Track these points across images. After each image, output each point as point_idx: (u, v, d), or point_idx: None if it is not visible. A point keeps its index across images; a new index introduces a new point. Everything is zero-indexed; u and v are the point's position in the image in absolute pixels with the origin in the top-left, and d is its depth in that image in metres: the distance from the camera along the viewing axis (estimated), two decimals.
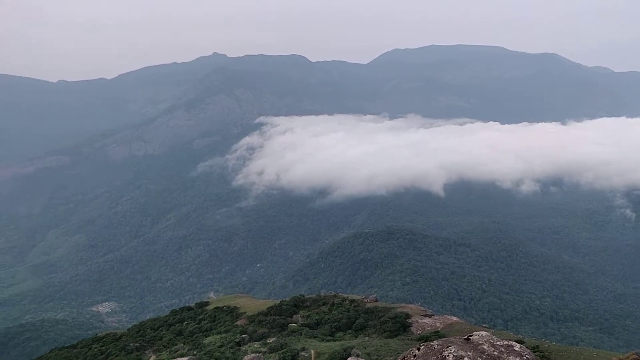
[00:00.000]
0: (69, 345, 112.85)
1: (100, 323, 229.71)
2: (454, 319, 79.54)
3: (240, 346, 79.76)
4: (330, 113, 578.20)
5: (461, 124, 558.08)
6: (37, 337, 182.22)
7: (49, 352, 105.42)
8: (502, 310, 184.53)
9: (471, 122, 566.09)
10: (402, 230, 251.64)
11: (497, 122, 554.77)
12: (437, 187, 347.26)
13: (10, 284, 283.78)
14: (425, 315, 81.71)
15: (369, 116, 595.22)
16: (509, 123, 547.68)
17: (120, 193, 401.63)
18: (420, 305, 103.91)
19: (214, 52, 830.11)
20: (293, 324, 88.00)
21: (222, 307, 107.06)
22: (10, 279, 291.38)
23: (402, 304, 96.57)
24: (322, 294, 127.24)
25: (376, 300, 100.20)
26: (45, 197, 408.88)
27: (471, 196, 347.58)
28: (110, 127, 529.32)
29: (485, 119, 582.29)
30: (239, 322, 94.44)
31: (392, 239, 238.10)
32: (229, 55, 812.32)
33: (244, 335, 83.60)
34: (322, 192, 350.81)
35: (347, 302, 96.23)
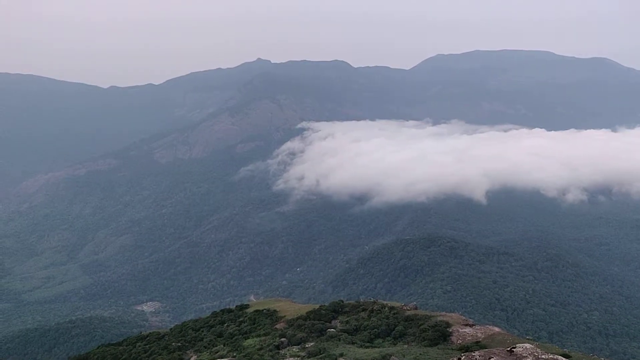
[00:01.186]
0: (115, 342, 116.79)
1: (145, 322, 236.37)
2: (496, 329, 77.87)
3: (279, 350, 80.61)
4: (372, 118, 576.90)
5: (505, 131, 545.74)
6: (85, 333, 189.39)
7: (97, 348, 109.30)
8: (546, 323, 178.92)
9: (516, 129, 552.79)
10: (443, 237, 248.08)
11: (542, 129, 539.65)
12: (479, 195, 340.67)
13: (62, 281, 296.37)
14: (466, 325, 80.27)
15: (411, 122, 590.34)
16: (555, 130, 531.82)
17: (166, 195, 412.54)
18: (461, 315, 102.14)
19: (258, 58, 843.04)
20: (332, 329, 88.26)
21: (262, 310, 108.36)
22: (63, 276, 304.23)
23: (443, 313, 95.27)
24: (361, 300, 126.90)
25: (416, 308, 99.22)
26: (96, 198, 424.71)
27: (514, 204, 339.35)
28: (157, 131, 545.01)
29: (531, 125, 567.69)
30: (278, 326, 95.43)
31: (433, 246, 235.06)
32: (272, 61, 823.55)
33: (282, 339, 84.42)
34: (362, 198, 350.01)
35: (386, 308, 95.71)
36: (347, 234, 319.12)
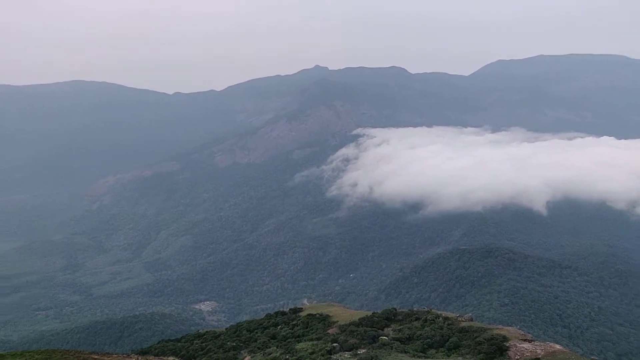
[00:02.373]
0: (174, 338, 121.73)
1: (202, 320, 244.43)
2: (557, 347, 75.68)
3: (331, 355, 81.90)
4: (429, 125, 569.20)
5: (570, 139, 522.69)
6: (147, 328, 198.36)
7: (157, 343, 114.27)
8: (614, 343, 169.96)
9: (581, 137, 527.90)
10: (502, 248, 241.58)
11: (612, 137, 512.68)
12: (539, 205, 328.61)
13: (127, 278, 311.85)
14: (525, 340, 78.43)
15: (469, 129, 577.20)
16: (626, 138, 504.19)
17: (224, 198, 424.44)
18: (519, 329, 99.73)
19: (316, 65, 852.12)
20: (384, 337, 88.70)
21: (315, 314, 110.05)
22: (128, 273, 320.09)
23: (500, 326, 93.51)
24: (414, 309, 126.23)
25: (471, 320, 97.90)
26: (160, 199, 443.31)
27: (578, 216, 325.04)
28: (217, 136, 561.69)
29: (598, 133, 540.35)
30: (330, 331, 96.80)
31: (491, 257, 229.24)
32: (330, 68, 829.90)
33: (334, 344, 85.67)
34: (416, 206, 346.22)
35: (440, 319, 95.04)
36: (401, 241, 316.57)
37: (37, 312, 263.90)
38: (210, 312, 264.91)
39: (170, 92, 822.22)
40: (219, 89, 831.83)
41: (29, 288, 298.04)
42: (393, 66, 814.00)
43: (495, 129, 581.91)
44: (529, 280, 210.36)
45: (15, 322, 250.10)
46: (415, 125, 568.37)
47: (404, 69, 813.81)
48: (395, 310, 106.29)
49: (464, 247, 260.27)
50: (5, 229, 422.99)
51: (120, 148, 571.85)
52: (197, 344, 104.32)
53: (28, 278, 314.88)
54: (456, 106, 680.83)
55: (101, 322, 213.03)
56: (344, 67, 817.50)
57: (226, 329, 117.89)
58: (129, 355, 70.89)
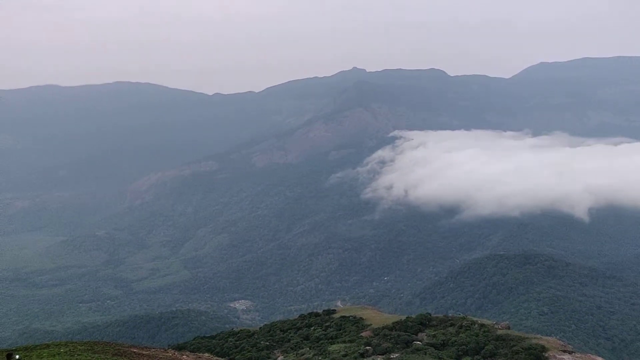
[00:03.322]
0: (209, 335, 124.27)
1: (236, 319, 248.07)
2: (599, 359, 73.68)
3: (363, 358, 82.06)
4: (468, 128, 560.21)
5: (615, 144, 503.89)
6: (184, 324, 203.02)
7: (193, 340, 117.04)
8: None
9: (628, 142, 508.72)
10: (541, 255, 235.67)
11: None
12: (581, 212, 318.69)
13: (166, 274, 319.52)
14: (565, 351, 76.65)
15: (509, 133, 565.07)
16: None
17: (261, 198, 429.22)
18: (558, 339, 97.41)
19: (354, 67, 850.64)
20: (418, 342, 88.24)
21: (348, 316, 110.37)
22: (166, 269, 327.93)
23: (538, 335, 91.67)
24: (449, 314, 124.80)
25: (508, 328, 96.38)
26: (198, 198, 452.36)
27: (623, 224, 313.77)
28: (255, 137, 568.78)
29: None
30: (363, 334, 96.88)
31: (529, 264, 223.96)
32: (368, 70, 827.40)
33: (367, 347, 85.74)
34: (451, 211, 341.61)
35: (476, 325, 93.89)
36: (437, 246, 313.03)
37: (80, 305, 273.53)
38: (245, 311, 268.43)
39: (210, 93, 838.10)
40: (257, 90, 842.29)
41: (73, 281, 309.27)
42: (432, 68, 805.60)
43: (536, 133, 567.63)
44: (570, 289, 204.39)
45: (60, 313, 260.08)
46: (453, 128, 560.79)
47: (443, 71, 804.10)
48: (430, 315, 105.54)
49: (501, 252, 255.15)
50: (51, 224, 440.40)
51: (162, 147, 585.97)
52: (231, 342, 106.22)
53: (73, 271, 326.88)
54: (496, 109, 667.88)
55: (140, 316, 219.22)
56: (382, 69, 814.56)
57: (260, 328, 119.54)
58: (165, 350, 72.98)
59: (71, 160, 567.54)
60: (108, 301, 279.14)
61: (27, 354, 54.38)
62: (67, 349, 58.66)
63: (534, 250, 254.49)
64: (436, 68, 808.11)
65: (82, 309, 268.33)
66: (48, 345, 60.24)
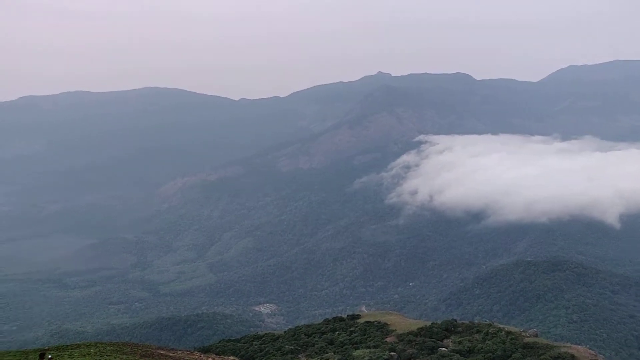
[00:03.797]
0: (234, 338, 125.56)
1: (261, 322, 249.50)
2: None
3: None
4: (495, 133, 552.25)
5: None
6: (209, 327, 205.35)
7: (218, 342, 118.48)
8: None
9: None
10: (570, 262, 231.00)
11: None
12: (612, 218, 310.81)
13: (192, 277, 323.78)
14: None
15: (537, 137, 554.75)
16: None
17: (286, 202, 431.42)
18: (589, 348, 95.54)
19: (379, 71, 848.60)
20: (443, 349, 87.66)
21: (373, 322, 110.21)
22: (192, 273, 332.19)
23: (567, 344, 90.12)
24: (476, 321, 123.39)
25: (536, 336, 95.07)
26: (224, 202, 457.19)
27: None
28: (280, 141, 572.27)
29: None
30: (388, 339, 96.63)
31: (558, 270, 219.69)
32: (393, 74, 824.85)
33: (392, 353, 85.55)
34: (477, 216, 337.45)
35: (503, 333, 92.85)
36: (463, 251, 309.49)
37: (109, 306, 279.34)
38: (270, 315, 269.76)
39: (236, 98, 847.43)
40: (283, 95, 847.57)
41: (102, 283, 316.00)
42: (458, 72, 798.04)
43: (564, 138, 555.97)
44: (601, 297, 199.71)
45: (90, 314, 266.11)
46: (479, 132, 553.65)
47: (469, 75, 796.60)
48: (456, 321, 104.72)
49: (528, 259, 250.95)
50: (82, 227, 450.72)
51: (189, 152, 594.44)
52: (256, 345, 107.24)
53: (102, 273, 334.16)
54: (523, 113, 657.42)
55: (167, 318, 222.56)
56: (407, 74, 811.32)
57: (285, 332, 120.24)
58: (192, 352, 74.29)
59: (101, 164, 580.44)
60: (136, 303, 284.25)
61: (59, 353, 56.22)
62: (97, 349, 60.43)
63: (562, 257, 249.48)
64: (462, 72, 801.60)
65: (111, 311, 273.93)
66: (79, 346, 62.08)
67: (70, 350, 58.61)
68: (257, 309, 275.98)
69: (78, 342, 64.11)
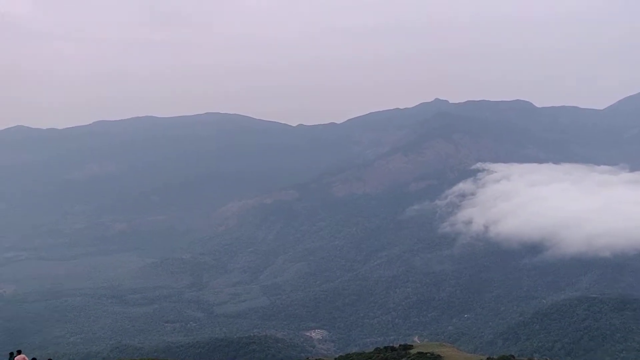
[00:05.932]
0: None
1: (312, 348, 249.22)
2: None
3: None
4: (556, 162, 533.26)
5: None
6: (260, 350, 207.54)
7: None
8: None
9: None
10: None
11: None
12: None
13: (245, 299, 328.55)
14: None
15: (603, 167, 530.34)
16: None
17: (339, 228, 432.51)
18: None
19: (436, 98, 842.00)
20: None
21: (426, 353, 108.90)
22: (246, 295, 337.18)
23: None
24: (535, 358, 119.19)
25: None
26: (278, 225, 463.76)
27: None
28: (335, 167, 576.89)
29: None
30: None
31: (628, 309, 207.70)
32: (450, 101, 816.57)
33: None
34: (535, 248, 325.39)
35: None
36: (522, 284, 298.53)
37: (165, 324, 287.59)
38: (321, 340, 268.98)
39: (294, 124, 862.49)
40: (339, 121, 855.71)
41: (160, 301, 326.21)
42: (518, 100, 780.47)
43: (633, 168, 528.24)
44: None
45: (147, 331, 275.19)
46: (540, 161, 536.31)
47: (529, 102, 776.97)
48: (513, 357, 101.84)
49: (593, 295, 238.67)
50: (142, 246, 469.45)
51: (245, 176, 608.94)
52: None
53: (160, 292, 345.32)
54: (588, 142, 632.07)
55: (220, 339, 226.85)
56: (465, 101, 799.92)
57: (335, 359, 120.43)
58: None
59: (163, 186, 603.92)
60: (191, 322, 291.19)
61: None
62: None
63: (632, 294, 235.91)
64: (522, 99, 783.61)
65: (167, 329, 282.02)
66: None
67: None
68: (308, 334, 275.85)
69: (136, 358, 67.95)
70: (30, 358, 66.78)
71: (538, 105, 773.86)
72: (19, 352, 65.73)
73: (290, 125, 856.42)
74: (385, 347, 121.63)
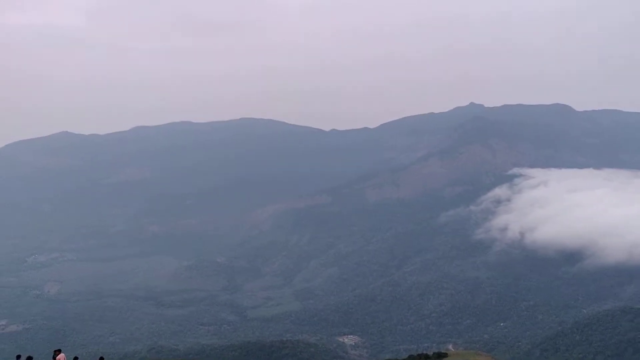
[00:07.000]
0: None
1: (344, 354, 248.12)
2: None
3: None
4: (598, 167, 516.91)
5: None
6: (293, 355, 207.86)
7: None
8: None
9: None
10: None
11: None
12: None
13: (278, 303, 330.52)
14: None
15: None
16: None
17: (372, 233, 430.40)
18: None
19: (471, 102, 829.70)
20: None
21: None
22: (279, 299, 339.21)
23: None
24: None
25: None
26: (311, 230, 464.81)
27: None
28: (368, 172, 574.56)
29: None
30: None
31: None
32: (485, 105, 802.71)
33: None
34: (573, 256, 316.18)
35: None
36: (561, 293, 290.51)
37: (200, 327, 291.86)
38: (353, 346, 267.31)
39: (327, 129, 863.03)
40: (372, 126, 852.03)
41: (195, 304, 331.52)
42: (556, 103, 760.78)
43: None
44: None
45: (182, 333, 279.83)
46: (580, 166, 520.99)
47: (568, 106, 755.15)
48: None
49: (638, 306, 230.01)
50: (178, 249, 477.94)
51: (279, 180, 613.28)
52: None
53: (195, 295, 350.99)
54: (631, 147, 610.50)
55: (253, 343, 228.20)
56: (500, 105, 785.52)
57: None
58: None
59: (198, 190, 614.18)
60: (224, 325, 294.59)
61: None
62: None
63: None
64: (561, 103, 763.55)
65: (201, 331, 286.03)
66: None
67: None
68: (340, 339, 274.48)
69: (171, 359, 69.26)
70: (72, 357, 69.00)
71: (577, 109, 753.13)
72: (60, 352, 68.00)
73: (324, 130, 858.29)
74: (419, 355, 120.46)
